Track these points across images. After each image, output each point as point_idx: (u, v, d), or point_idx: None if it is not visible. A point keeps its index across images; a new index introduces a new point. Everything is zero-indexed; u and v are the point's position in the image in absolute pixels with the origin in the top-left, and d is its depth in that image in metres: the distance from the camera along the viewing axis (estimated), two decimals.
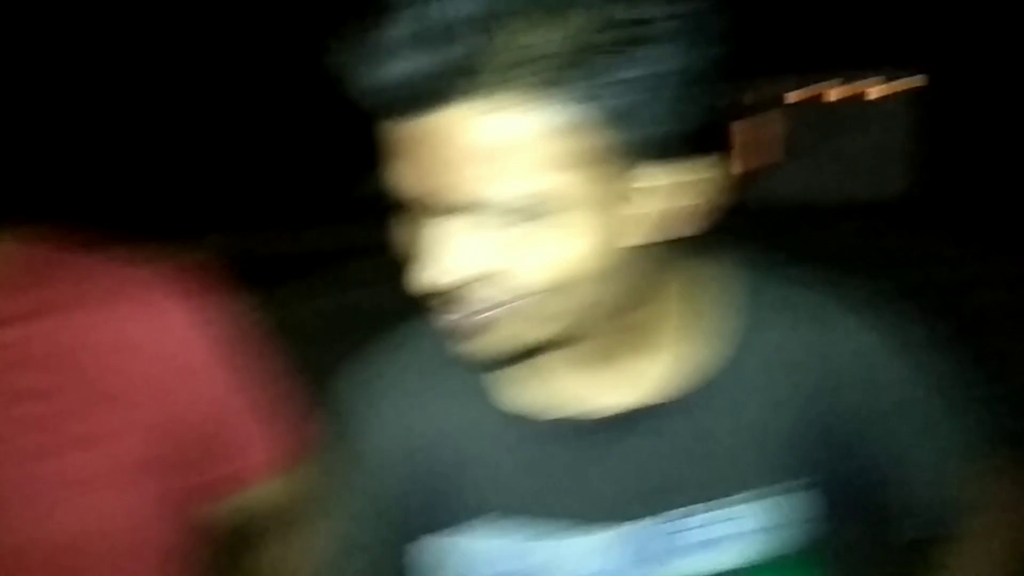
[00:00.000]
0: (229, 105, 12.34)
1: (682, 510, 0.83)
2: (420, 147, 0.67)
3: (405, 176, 0.70)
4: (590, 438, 0.84)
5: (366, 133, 0.73)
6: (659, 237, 0.73)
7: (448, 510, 0.87)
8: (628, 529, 0.84)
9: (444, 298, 0.73)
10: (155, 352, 0.89)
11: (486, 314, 0.72)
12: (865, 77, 13.71)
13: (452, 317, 0.74)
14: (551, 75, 0.64)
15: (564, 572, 0.84)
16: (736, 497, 0.83)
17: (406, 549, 0.90)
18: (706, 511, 0.83)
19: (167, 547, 0.90)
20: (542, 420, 0.84)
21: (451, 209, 0.69)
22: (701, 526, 0.83)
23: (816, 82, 14.13)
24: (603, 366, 0.83)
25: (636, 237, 0.71)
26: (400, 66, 0.65)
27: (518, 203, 0.67)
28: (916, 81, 13.36)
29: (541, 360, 0.83)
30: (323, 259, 8.78)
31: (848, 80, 13.99)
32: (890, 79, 13.66)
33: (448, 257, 0.70)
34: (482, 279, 0.71)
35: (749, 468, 0.83)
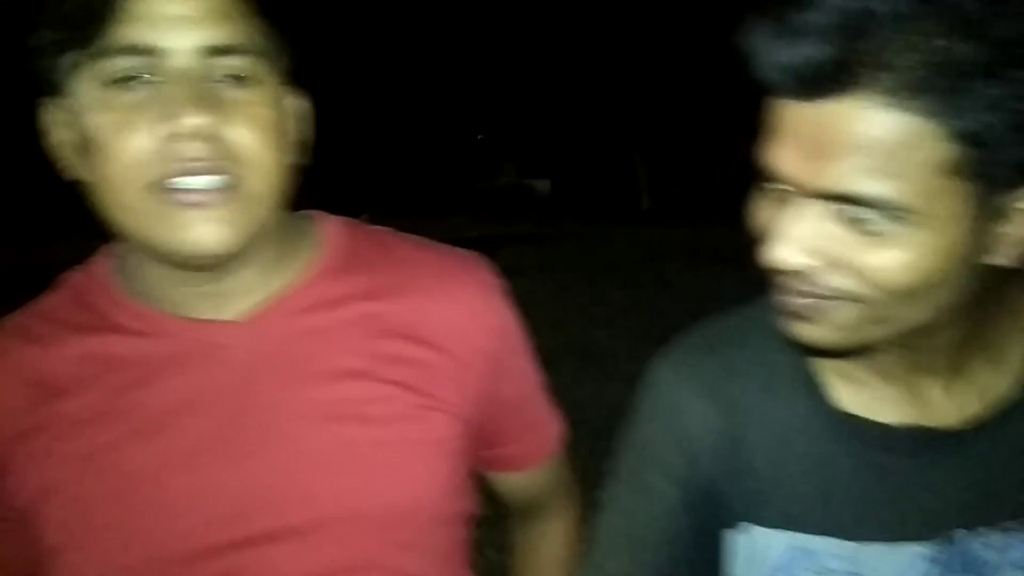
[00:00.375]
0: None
1: (1010, 525, 0.84)
2: (806, 130, 0.68)
3: (781, 155, 0.71)
4: (924, 446, 0.84)
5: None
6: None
7: (766, 504, 0.87)
8: (952, 541, 0.85)
9: (789, 278, 0.74)
10: (487, 330, 0.93)
11: (825, 302, 0.73)
12: None
13: (792, 298, 0.75)
14: (957, 83, 0.64)
15: (881, 575, 0.84)
16: None
17: (714, 538, 0.91)
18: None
19: (464, 516, 0.94)
20: (872, 423, 0.85)
21: (818, 195, 0.69)
22: (1018, 542, 0.85)
23: None
24: (936, 376, 0.84)
25: (1001, 256, 0.71)
26: (812, 50, 0.66)
27: (889, 202, 0.67)
28: None
29: (873, 363, 0.83)
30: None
31: None
32: None
33: (803, 239, 0.71)
34: (831, 267, 0.71)
35: None
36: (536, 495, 1.08)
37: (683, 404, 0.90)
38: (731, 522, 0.90)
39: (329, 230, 0.93)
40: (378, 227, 0.99)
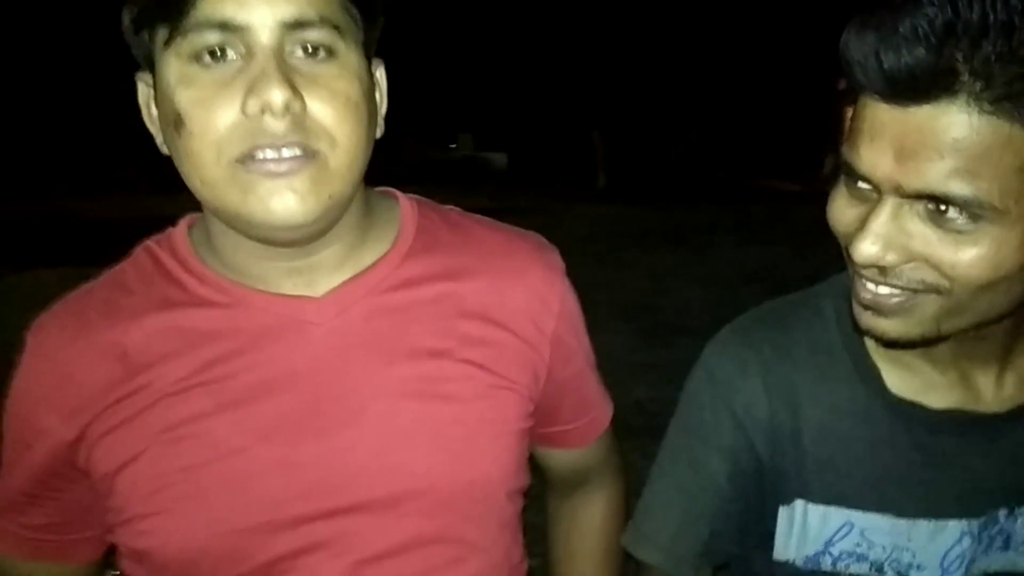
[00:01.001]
0: None
1: None
2: (898, 133, 0.73)
3: (870, 156, 0.75)
4: (970, 430, 0.91)
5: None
6: None
7: (817, 481, 0.94)
8: (994, 520, 0.93)
9: (872, 272, 0.79)
10: (554, 313, 0.97)
11: (907, 297, 0.78)
12: None
13: (874, 291, 0.80)
14: None
15: (928, 553, 0.92)
16: None
17: (763, 513, 0.97)
18: None
19: (523, 491, 0.98)
20: (922, 407, 0.91)
21: (904, 193, 0.74)
22: None
23: None
24: (987, 364, 0.91)
25: None
26: (914, 57, 0.69)
27: (975, 201, 0.71)
28: None
29: (928, 352, 0.89)
30: None
31: None
32: None
33: (889, 236, 0.76)
34: (914, 262, 0.76)
35: None
36: (582, 470, 1.14)
37: (737, 384, 0.96)
38: (782, 498, 0.96)
39: (404, 208, 0.96)
40: (447, 206, 1.02)
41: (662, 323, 6.23)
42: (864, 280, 0.82)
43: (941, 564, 0.93)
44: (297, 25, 0.78)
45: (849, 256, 0.81)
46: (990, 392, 0.93)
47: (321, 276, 0.89)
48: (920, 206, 0.75)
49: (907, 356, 0.93)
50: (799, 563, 0.97)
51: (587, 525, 1.17)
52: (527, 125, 16.87)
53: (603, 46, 16.08)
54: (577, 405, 1.07)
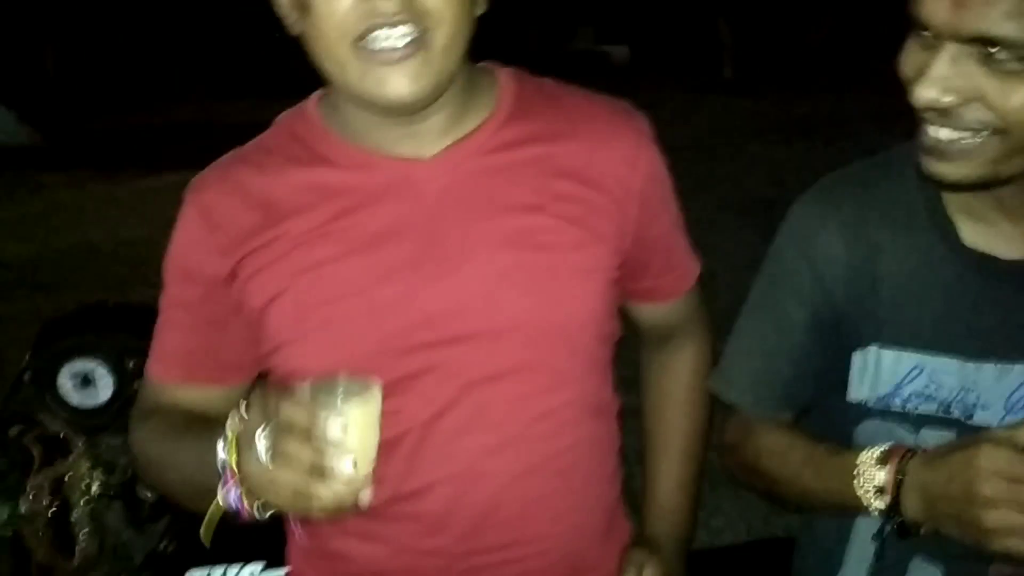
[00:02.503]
0: None
1: None
2: None
3: (929, 5, 0.82)
4: None
5: None
6: None
7: (891, 326, 1.01)
8: None
9: (933, 115, 0.85)
10: (642, 173, 1.07)
11: (966, 138, 0.84)
12: None
13: (935, 135, 0.86)
14: None
15: (993, 394, 0.99)
16: None
17: (838, 358, 1.05)
18: None
19: (612, 337, 1.10)
20: (992, 257, 0.97)
21: (961, 39, 0.79)
22: None
23: None
24: None
25: None
26: None
27: (1020, 43, 0.77)
28: None
29: (1001, 201, 0.94)
30: None
31: None
32: None
33: (946, 79, 0.81)
34: (972, 104, 0.82)
35: None
36: (671, 324, 1.23)
37: (819, 236, 1.03)
38: (857, 343, 1.03)
39: (502, 79, 1.05)
40: (540, 77, 1.11)
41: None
42: (927, 124, 0.86)
43: (1005, 405, 0.99)
44: None
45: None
46: None
47: (430, 140, 1.01)
48: (975, 50, 0.80)
49: (981, 209, 0.97)
50: (871, 404, 1.04)
51: (677, 374, 1.27)
52: (649, 16, 16.35)
53: None
54: (664, 262, 1.16)
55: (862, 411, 1.06)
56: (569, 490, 1.08)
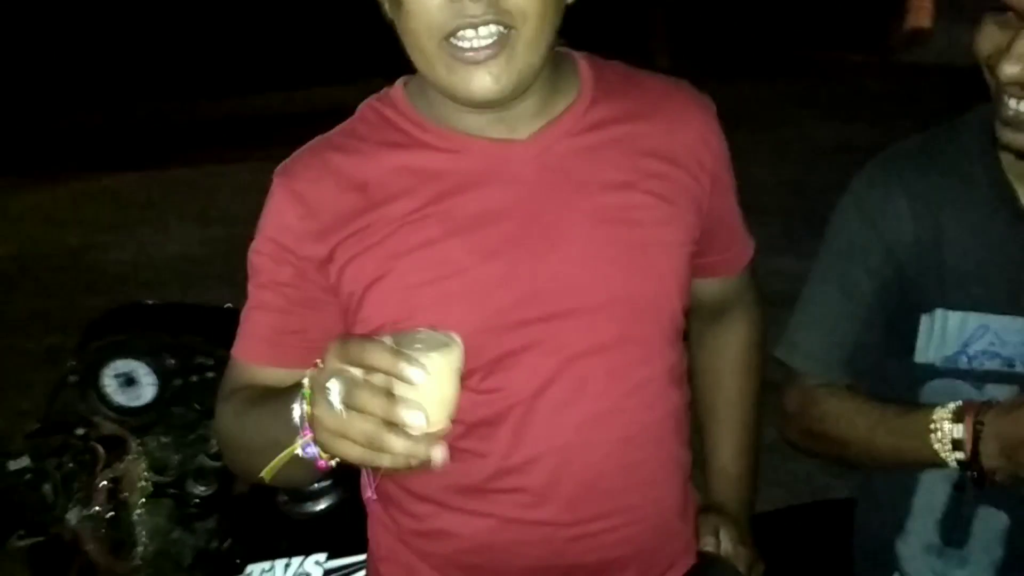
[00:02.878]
0: None
1: None
2: None
3: None
4: None
5: None
6: None
7: (956, 290, 1.07)
8: None
9: (1016, 88, 0.92)
10: (713, 151, 1.12)
11: None
12: None
13: (1016, 107, 0.93)
14: None
15: None
16: None
17: (904, 322, 1.11)
18: None
19: (682, 311, 1.13)
20: None
21: None
22: None
23: None
24: None
25: None
26: None
27: None
28: None
29: None
30: None
31: None
32: None
33: None
34: None
35: None
36: (729, 298, 1.28)
37: (886, 204, 1.09)
38: (924, 307, 1.09)
39: (580, 62, 1.09)
40: (613, 61, 1.15)
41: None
42: (1007, 97, 0.93)
43: None
44: None
45: (995, 76, 0.92)
46: None
47: (522, 123, 1.04)
48: None
49: None
50: (938, 364, 1.11)
51: (733, 345, 1.32)
52: (582, 4, 16.53)
53: None
54: (728, 237, 1.21)
55: (928, 371, 1.12)
56: (661, 458, 1.12)
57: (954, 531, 1.16)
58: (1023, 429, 0.95)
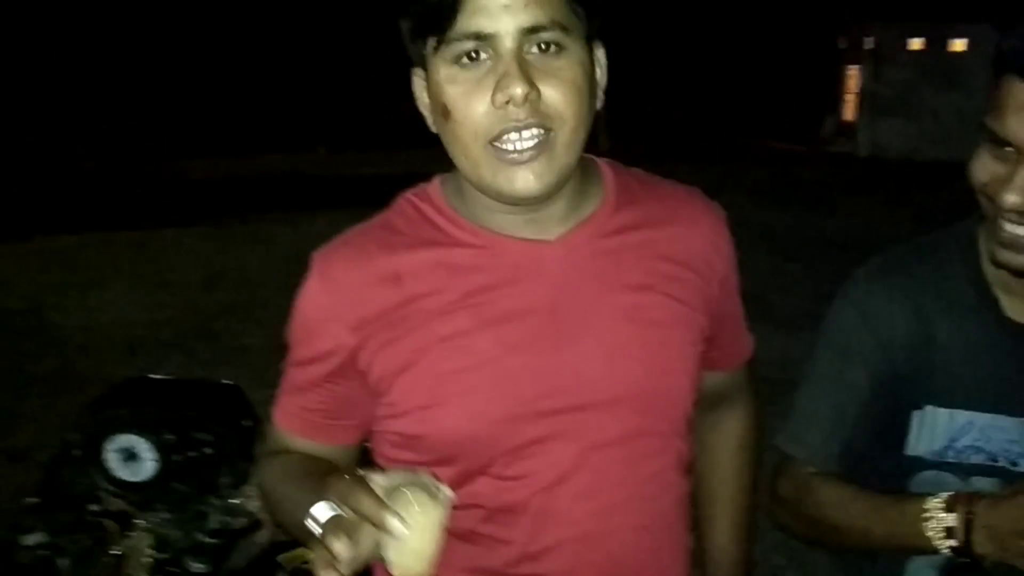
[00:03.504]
0: None
1: None
2: None
3: (1013, 126, 0.98)
4: None
5: None
6: None
7: (945, 389, 1.17)
8: None
9: (1016, 216, 1.02)
10: (722, 255, 1.20)
11: None
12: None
13: (1012, 231, 1.04)
14: None
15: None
16: None
17: (897, 418, 1.19)
18: None
19: (692, 404, 1.20)
20: None
21: None
22: None
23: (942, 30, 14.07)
24: None
25: None
26: None
27: None
28: None
29: None
30: None
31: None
32: None
33: None
34: None
35: None
36: (727, 390, 1.36)
37: (880, 308, 1.19)
38: (915, 404, 1.19)
39: (603, 168, 1.18)
40: (631, 167, 1.23)
41: None
42: (1005, 222, 1.04)
43: None
44: (533, 30, 0.99)
45: (992, 202, 1.03)
46: None
47: (552, 224, 1.11)
48: None
49: (1019, 287, 1.16)
50: (927, 457, 1.20)
51: (730, 434, 1.40)
52: None
53: (601, 7, 16.10)
54: (732, 333, 1.30)
55: (918, 464, 1.21)
56: (673, 545, 1.18)
57: None
58: (1012, 519, 1.03)
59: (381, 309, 1.08)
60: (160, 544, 1.45)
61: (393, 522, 0.85)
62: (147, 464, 1.49)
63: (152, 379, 1.75)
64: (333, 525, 0.86)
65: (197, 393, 1.67)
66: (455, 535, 1.12)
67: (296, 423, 1.15)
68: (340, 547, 0.84)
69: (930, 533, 1.09)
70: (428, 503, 0.87)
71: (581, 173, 1.13)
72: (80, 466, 1.43)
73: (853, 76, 16.27)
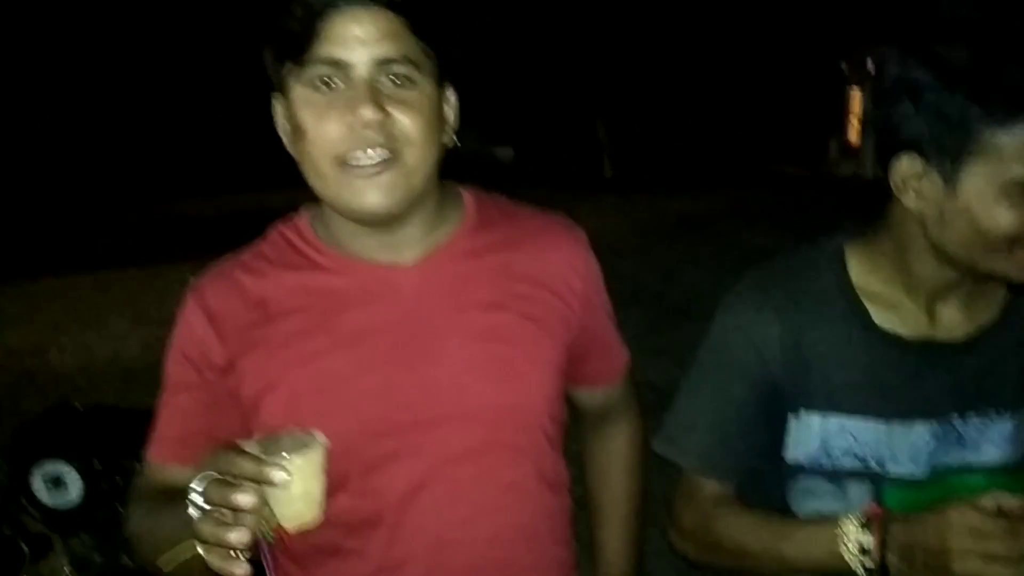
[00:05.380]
0: None
1: (991, 413, 1.19)
2: None
3: None
4: (934, 353, 1.18)
5: None
6: None
7: (816, 394, 1.20)
8: (950, 423, 1.19)
9: None
10: (581, 275, 1.24)
11: None
12: None
13: None
14: None
15: (901, 449, 1.19)
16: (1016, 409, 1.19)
17: (774, 424, 1.22)
18: (998, 416, 1.19)
19: (560, 417, 1.24)
20: (898, 336, 1.18)
21: None
22: (993, 426, 1.20)
23: None
24: (952, 301, 1.19)
25: None
26: None
27: None
28: None
29: (915, 291, 1.19)
30: None
31: None
32: None
33: None
34: None
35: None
36: (608, 406, 1.40)
37: (756, 320, 1.22)
38: (791, 410, 1.21)
39: (464, 195, 1.23)
40: (493, 193, 1.28)
41: (671, 308, 6.47)
42: None
43: (910, 457, 1.18)
44: (385, 62, 1.05)
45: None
46: (951, 323, 1.21)
47: (407, 248, 1.15)
48: None
49: (891, 297, 1.20)
50: (804, 461, 1.22)
51: (616, 448, 1.43)
52: (531, 117, 17.03)
53: (603, 33, 16.24)
54: (601, 350, 1.33)
55: (795, 469, 1.22)
56: (533, 554, 1.20)
57: None
58: (923, 538, 1.03)
59: (248, 331, 1.12)
60: (81, 566, 1.50)
61: (275, 471, 0.87)
62: (73, 491, 1.54)
63: (82, 407, 1.80)
64: (216, 488, 0.88)
65: (126, 420, 1.72)
66: (316, 551, 1.17)
67: (176, 451, 1.16)
68: (242, 497, 0.86)
69: (847, 555, 1.10)
70: (304, 448, 0.91)
71: (440, 199, 1.18)
72: (7, 492, 1.48)
73: (857, 98, 16.30)
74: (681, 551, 1.31)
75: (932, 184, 1.08)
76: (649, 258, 8.53)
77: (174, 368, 1.16)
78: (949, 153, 1.05)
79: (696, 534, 1.28)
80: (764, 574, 1.23)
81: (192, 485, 0.91)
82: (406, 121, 1.06)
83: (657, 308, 6.60)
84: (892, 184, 1.12)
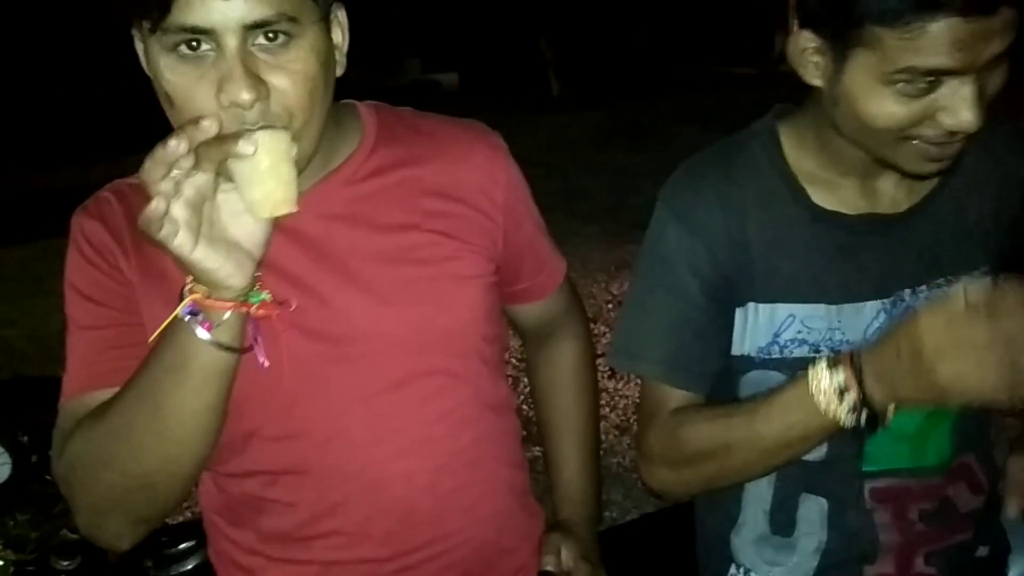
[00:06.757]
0: None
1: (940, 283, 1.15)
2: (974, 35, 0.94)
3: (949, 57, 0.95)
4: (878, 228, 1.13)
5: None
6: None
7: (763, 283, 1.14)
8: (901, 298, 1.14)
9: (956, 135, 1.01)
10: (502, 185, 1.15)
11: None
12: None
13: (949, 151, 1.04)
14: None
15: (853, 330, 1.13)
16: (965, 275, 1.14)
17: (726, 318, 1.16)
18: (948, 285, 1.14)
19: (499, 338, 1.18)
20: (840, 214, 1.13)
21: (977, 68, 0.96)
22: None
23: None
24: (889, 175, 1.14)
25: None
26: None
27: None
28: None
29: (846, 164, 1.14)
30: None
31: None
32: None
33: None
34: None
35: (976, 253, 1.16)
36: (550, 320, 1.32)
37: (698, 209, 1.14)
38: (738, 301, 1.14)
39: (363, 112, 1.13)
40: (399, 107, 1.18)
41: (629, 221, 6.42)
42: (937, 147, 1.02)
43: (864, 337, 1.12)
44: (257, 25, 0.89)
45: (910, 138, 1.01)
46: (890, 198, 1.14)
47: (304, 180, 1.00)
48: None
49: (826, 176, 1.13)
50: (753, 354, 1.15)
51: (563, 364, 1.35)
52: (473, 42, 16.69)
53: None
54: (534, 263, 1.24)
55: (745, 363, 1.16)
56: (478, 481, 1.14)
57: (781, 520, 1.20)
58: (895, 355, 0.96)
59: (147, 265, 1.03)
60: (18, 545, 1.43)
61: (242, 142, 0.82)
62: (1, 468, 1.46)
63: (4, 381, 1.72)
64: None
65: (54, 392, 1.64)
66: (242, 505, 1.10)
67: (94, 373, 1.02)
68: (202, 123, 0.82)
69: (823, 403, 1.00)
70: (271, 130, 0.86)
71: (336, 125, 1.06)
72: None
73: None
74: (658, 485, 1.21)
75: (826, 63, 1.04)
76: (604, 172, 8.45)
77: (72, 294, 1.05)
78: (837, 35, 1.00)
79: (667, 455, 1.17)
80: (745, 474, 1.16)
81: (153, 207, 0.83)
82: (289, 89, 0.91)
83: (615, 221, 6.55)
84: (789, 56, 1.06)
